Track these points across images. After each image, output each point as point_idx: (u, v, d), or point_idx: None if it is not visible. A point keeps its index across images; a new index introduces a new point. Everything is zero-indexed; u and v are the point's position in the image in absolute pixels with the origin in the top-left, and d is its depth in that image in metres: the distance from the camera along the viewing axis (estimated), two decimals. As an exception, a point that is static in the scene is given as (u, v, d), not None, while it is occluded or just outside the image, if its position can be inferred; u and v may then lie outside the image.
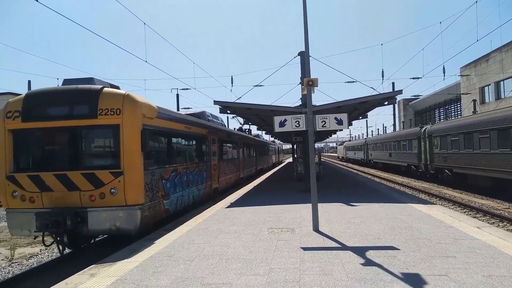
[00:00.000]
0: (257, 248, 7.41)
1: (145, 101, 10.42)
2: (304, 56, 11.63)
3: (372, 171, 42.87)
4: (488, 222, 12.60)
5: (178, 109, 35.40)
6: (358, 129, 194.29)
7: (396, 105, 60.51)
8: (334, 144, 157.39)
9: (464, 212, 14.71)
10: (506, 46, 32.92)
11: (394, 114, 58.11)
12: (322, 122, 9.82)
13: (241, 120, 29.06)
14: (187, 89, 34.46)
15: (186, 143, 14.21)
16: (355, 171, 42.30)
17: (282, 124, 9.98)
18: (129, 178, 9.37)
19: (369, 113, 24.73)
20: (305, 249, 7.20)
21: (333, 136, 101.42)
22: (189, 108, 37.29)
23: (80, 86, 9.82)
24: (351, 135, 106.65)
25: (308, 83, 9.63)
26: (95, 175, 9.32)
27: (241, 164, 25.12)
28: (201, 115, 18.55)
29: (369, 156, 49.99)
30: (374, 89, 34.01)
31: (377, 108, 21.37)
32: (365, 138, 59.41)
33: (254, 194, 17.22)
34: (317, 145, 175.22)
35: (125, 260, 7.17)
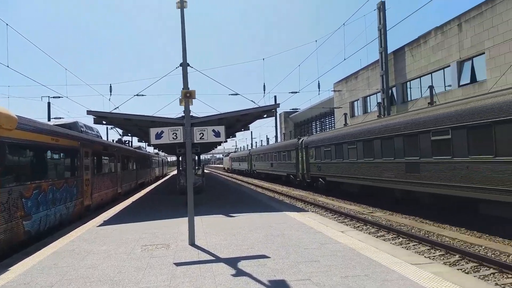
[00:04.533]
0: (127, 267, 7.14)
1: (2, 109, 9.41)
2: (183, 67, 11.67)
3: (255, 181, 44.38)
4: (354, 226, 13.92)
5: (49, 119, 32.59)
6: (243, 141, 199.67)
7: (278, 118, 63.81)
8: (221, 156, 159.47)
9: (335, 217, 16.04)
10: (371, 65, 36.98)
11: (276, 126, 61.23)
12: (200, 134, 9.92)
13: (121, 131, 27.90)
14: (59, 97, 31.97)
15: (53, 157, 13.13)
16: (239, 181, 43.35)
17: (158, 136, 9.83)
18: (-22, 198, 8.32)
19: (255, 125, 25.71)
20: (178, 264, 7.15)
21: (219, 147, 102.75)
22: (61, 118, 34.59)
23: None
24: (237, 147, 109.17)
25: (186, 95, 9.66)
26: None
27: (119, 179, 24.01)
28: (73, 125, 17.36)
29: (252, 166, 51.69)
30: (255, 102, 35.36)
31: (262, 120, 22.32)
32: (249, 149, 61.33)
33: (132, 210, 16.58)
34: (203, 156, 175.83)
35: (-31, 293, 6.32)
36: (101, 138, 22.60)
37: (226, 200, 18.55)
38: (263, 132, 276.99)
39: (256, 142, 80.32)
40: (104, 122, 18.69)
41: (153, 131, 9.74)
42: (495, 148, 11.10)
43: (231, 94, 29.48)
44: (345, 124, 30.23)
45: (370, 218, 15.15)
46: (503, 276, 7.89)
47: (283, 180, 36.18)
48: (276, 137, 60.01)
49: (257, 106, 20.38)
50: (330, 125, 54.88)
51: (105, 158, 20.88)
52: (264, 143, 68.11)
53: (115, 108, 20.08)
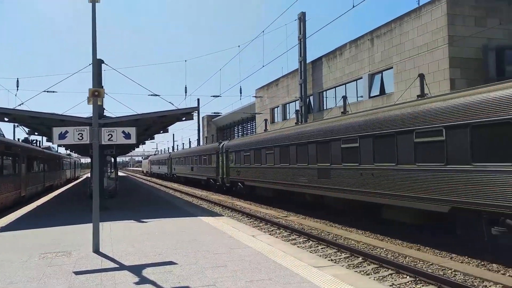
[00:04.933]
0: (20, 277, 6.59)
1: None
2: (93, 64, 11.12)
3: (175, 185, 43.60)
4: (268, 230, 14.17)
5: None
6: (164, 144, 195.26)
7: (201, 121, 63.49)
8: (141, 158, 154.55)
9: (250, 222, 16.21)
10: (291, 73, 38.17)
11: (198, 129, 60.87)
12: (108, 135, 9.50)
13: (28, 129, 25.88)
14: (-46, 90, 28.90)
15: None
16: (157, 185, 42.33)
17: (62, 136, 9.26)
18: None
19: (177, 127, 25.26)
20: (77, 273, 6.74)
21: (139, 150, 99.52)
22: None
23: None
24: (157, 149, 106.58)
25: (94, 93, 9.22)
26: None
27: (23, 181, 22.22)
28: (-32, 122, 15.76)
29: (173, 170, 50.76)
30: (173, 104, 34.89)
31: (185, 123, 21.99)
32: (169, 153, 60.16)
33: (36, 215, 15.43)
34: (121, 159, 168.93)
35: None
36: (3, 136, 20.82)
37: (140, 205, 17.98)
38: (186, 135, 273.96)
39: (177, 145, 79.05)
40: (6, 119, 17.24)
41: (57, 131, 9.16)
42: (397, 156, 11.96)
43: (151, 95, 28.71)
44: (265, 130, 30.83)
45: (283, 222, 15.54)
46: (399, 277, 8.49)
47: (203, 185, 35.95)
48: (198, 140, 59.60)
49: (176, 108, 20.08)
50: (251, 130, 55.67)
51: (7, 158, 19.23)
52: (187, 146, 67.30)
53: (20, 104, 18.66)
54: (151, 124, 22.18)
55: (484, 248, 9.59)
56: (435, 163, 10.50)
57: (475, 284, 7.77)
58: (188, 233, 10.20)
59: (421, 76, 16.45)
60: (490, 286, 7.63)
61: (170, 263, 7.22)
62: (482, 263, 9.06)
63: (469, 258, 9.44)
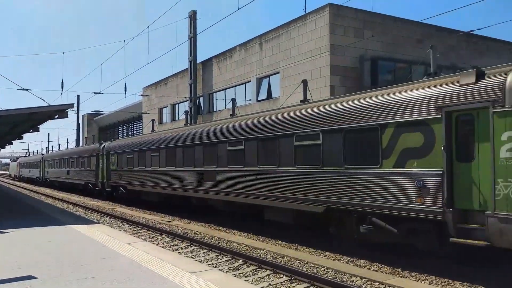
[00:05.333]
0: None
1: None
2: None
3: (47, 190, 40.26)
4: (149, 237, 13.83)
5: None
6: (37, 144, 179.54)
7: (81, 120, 59.69)
8: (8, 160, 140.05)
9: (131, 228, 15.65)
10: (181, 73, 37.85)
11: (78, 129, 57.01)
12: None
13: None
14: None
15: None
16: (27, 191, 38.73)
17: None
18: None
19: (53, 126, 23.28)
20: None
21: (6, 151, 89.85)
22: None
23: None
24: (29, 150, 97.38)
25: None
26: None
27: None
28: None
29: (45, 174, 46.92)
30: (44, 100, 32.21)
31: (63, 122, 20.35)
32: (42, 154, 55.49)
33: None
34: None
35: None
36: None
37: (1, 214, 16.26)
38: (64, 135, 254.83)
39: (53, 146, 73.11)
40: None
41: None
42: (279, 159, 12.54)
43: (20, 89, 26.22)
44: (153, 131, 30.08)
45: (166, 227, 15.32)
46: (276, 277, 8.90)
47: (81, 190, 33.79)
48: (77, 141, 55.78)
49: (48, 105, 18.61)
50: (138, 131, 53.91)
51: None
52: (64, 147, 62.61)
53: None
54: (18, 123, 20.30)
55: (354, 245, 10.53)
56: (313, 165, 11.24)
57: (344, 279, 8.49)
58: (55, 244, 9.50)
59: (304, 82, 17.47)
60: (357, 280, 8.39)
61: (29, 277, 6.65)
62: (352, 259, 9.93)
63: (341, 256, 10.28)
